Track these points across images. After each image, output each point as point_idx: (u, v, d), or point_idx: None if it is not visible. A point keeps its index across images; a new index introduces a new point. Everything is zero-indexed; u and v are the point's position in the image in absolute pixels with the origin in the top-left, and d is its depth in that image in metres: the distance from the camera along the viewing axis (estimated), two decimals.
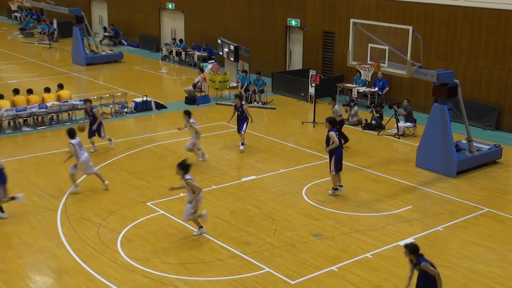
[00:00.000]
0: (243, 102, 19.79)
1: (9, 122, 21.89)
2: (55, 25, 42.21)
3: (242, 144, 19.72)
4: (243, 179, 17.37)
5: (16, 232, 14.08)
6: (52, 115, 22.59)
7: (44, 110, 22.20)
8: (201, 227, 13.92)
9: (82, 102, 23.09)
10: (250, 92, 25.96)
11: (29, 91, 23.06)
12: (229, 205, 15.58)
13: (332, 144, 15.66)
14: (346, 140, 19.97)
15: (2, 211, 14.75)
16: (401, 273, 12.23)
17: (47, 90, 23.43)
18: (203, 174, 17.62)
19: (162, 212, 15.08)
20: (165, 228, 14.26)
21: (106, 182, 16.49)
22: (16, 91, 22.91)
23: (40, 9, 45.61)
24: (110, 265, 12.48)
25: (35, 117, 22.25)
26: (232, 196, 16.17)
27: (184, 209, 13.67)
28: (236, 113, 19.69)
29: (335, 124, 16.12)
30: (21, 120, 22.15)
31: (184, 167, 13.42)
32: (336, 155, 15.78)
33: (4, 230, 14.24)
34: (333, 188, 16.09)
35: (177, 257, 12.89)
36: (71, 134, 15.96)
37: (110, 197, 15.98)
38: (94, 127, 19.14)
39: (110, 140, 19.79)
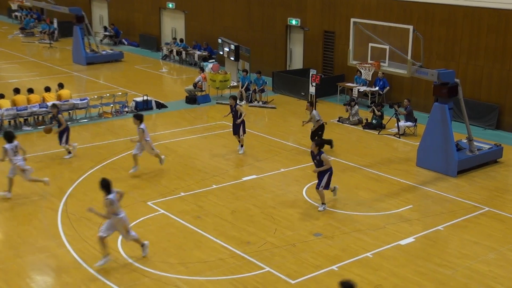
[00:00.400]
0: (238, 103, 19.50)
1: (9, 121, 21.91)
2: (55, 25, 42.21)
3: (242, 146, 19.51)
4: (244, 179, 17.37)
5: (16, 231, 14.09)
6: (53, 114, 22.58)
7: (44, 109, 22.20)
8: (107, 255, 12.45)
9: (84, 101, 23.21)
10: (251, 92, 25.96)
11: (30, 91, 23.07)
12: (229, 205, 15.58)
13: (324, 166, 14.98)
14: (331, 145, 19.79)
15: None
16: (401, 272, 12.24)
17: (48, 89, 23.44)
18: (203, 174, 17.63)
19: (162, 211, 15.08)
20: (165, 227, 14.26)
21: (46, 179, 16.35)
22: (17, 91, 22.92)
23: (41, 9, 45.60)
24: (110, 264, 12.47)
25: (36, 116, 22.26)
26: (233, 196, 16.17)
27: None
28: (231, 114, 19.41)
29: (322, 145, 15.65)
30: (21, 120, 22.16)
31: (105, 185, 12.33)
32: (330, 171, 15.11)
33: (5, 230, 14.25)
34: (322, 203, 15.31)
35: (177, 256, 12.89)
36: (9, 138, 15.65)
37: None
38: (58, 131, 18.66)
39: (69, 152, 18.96)
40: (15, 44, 40.83)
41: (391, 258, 12.88)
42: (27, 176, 15.93)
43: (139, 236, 12.91)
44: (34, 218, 14.70)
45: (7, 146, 15.55)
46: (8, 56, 36.75)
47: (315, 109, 19.97)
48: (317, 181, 15.18)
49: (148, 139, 17.39)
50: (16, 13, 51.29)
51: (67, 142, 18.82)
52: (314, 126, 19.48)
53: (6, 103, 22.09)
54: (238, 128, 19.21)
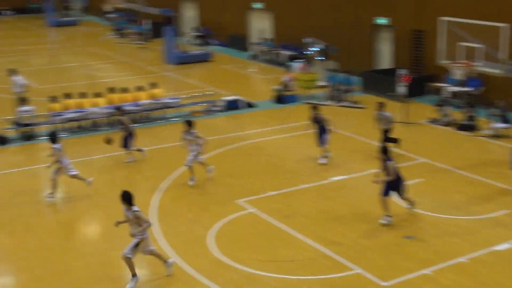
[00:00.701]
0: (318, 113, 18.35)
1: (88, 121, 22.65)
2: (147, 26, 43.37)
3: (325, 157, 18.39)
4: (332, 179, 17.27)
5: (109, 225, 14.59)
6: (145, 113, 23.24)
7: (137, 108, 22.88)
8: (135, 275, 11.79)
9: (175, 100, 23.74)
10: (338, 91, 25.78)
11: (123, 90, 23.84)
12: (318, 204, 15.53)
13: (388, 176, 14.03)
14: (396, 141, 19.16)
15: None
16: (499, 278, 11.83)
17: (140, 88, 24.13)
18: (291, 173, 17.65)
19: (251, 210, 15.21)
20: (254, 225, 14.37)
21: (89, 179, 16.52)
22: (111, 90, 23.76)
23: (133, 10, 46.97)
24: (201, 259, 12.70)
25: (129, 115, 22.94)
26: (321, 196, 16.11)
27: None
28: (315, 125, 18.43)
29: (389, 151, 14.40)
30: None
31: (127, 198, 11.73)
32: (393, 180, 14.05)
33: (97, 222, 14.76)
34: (386, 215, 14.29)
35: (266, 254, 12.96)
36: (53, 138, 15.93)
37: (201, 194, 16.27)
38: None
39: (139, 150, 19.02)
40: (108, 45, 42.27)
41: (489, 264, 12.44)
42: (69, 173, 16.13)
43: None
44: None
45: (56, 146, 15.84)
46: (102, 56, 38.09)
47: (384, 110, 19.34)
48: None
49: (201, 143, 16.87)
50: (110, 15, 53.12)
51: (131, 146, 18.71)
52: (385, 127, 19.02)
53: (101, 102, 22.92)
54: (322, 137, 18.35)
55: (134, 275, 11.72)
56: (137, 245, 11.66)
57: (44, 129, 21.63)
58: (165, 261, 12.17)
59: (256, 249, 13.22)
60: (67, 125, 21.88)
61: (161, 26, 36.43)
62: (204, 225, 14.35)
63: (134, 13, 48.48)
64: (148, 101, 23.39)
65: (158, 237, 13.73)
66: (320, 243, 13.38)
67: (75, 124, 22.04)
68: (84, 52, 39.96)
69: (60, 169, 15.99)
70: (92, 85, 28.08)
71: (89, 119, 22.33)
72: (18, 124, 21.33)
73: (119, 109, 19.39)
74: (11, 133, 21.08)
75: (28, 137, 21.13)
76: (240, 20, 39.26)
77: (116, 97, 23.35)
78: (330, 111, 23.60)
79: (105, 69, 34.16)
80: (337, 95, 25.73)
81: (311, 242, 13.45)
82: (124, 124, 18.66)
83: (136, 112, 22.93)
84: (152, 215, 14.94)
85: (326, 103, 25.23)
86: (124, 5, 42.70)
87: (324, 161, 18.35)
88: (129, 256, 11.60)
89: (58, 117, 21.79)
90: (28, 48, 41.48)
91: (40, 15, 56.59)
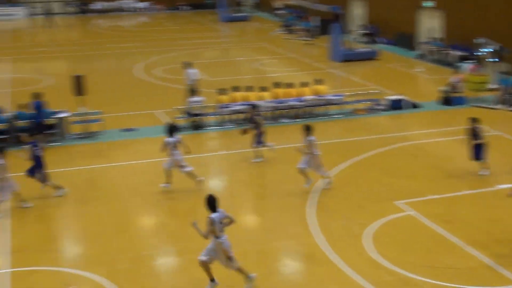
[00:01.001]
0: (477, 126, 16.90)
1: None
2: (315, 23, 43.76)
3: (485, 169, 17.13)
4: (499, 186, 16.39)
5: (269, 217, 14.98)
6: (308, 109, 23.51)
7: (300, 103, 23.21)
8: (213, 280, 11.43)
9: (339, 97, 23.78)
10: (510, 95, 24.41)
11: (288, 85, 24.29)
12: (482, 212, 14.84)
13: None
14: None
15: None
16: None
17: (305, 84, 24.44)
18: (454, 178, 17.01)
19: (410, 212, 14.88)
20: (413, 228, 14.05)
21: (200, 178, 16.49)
22: (277, 84, 24.30)
23: (302, 7, 47.59)
24: (356, 258, 12.65)
25: (292, 110, 23.33)
26: (487, 203, 15.38)
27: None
28: (471, 138, 17.02)
29: None
30: (282, 112, 23.31)
31: (209, 202, 11.21)
32: None
33: (255, 216, 15.20)
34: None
35: (424, 259, 12.62)
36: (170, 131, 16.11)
37: (360, 193, 16.18)
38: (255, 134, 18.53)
39: (270, 146, 18.71)
40: (276, 41, 43.22)
41: None
42: (184, 170, 16.33)
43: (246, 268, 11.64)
44: (282, 206, 15.45)
45: (169, 139, 16.18)
46: (270, 51, 39.04)
47: None
48: None
49: (317, 153, 16.13)
50: (279, 11, 54.30)
51: (261, 144, 18.63)
52: None
53: (267, 95, 23.52)
54: (478, 152, 16.98)
55: (212, 279, 11.33)
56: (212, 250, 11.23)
57: (211, 119, 22.64)
58: (247, 276, 11.49)
59: (414, 252, 12.93)
60: (233, 116, 22.70)
61: (329, 23, 36.58)
62: (361, 223, 14.27)
63: (303, 10, 49.09)
64: (311, 97, 23.64)
65: (315, 232, 13.88)
66: (482, 253, 12.79)
67: (241, 116, 22.81)
68: (253, 47, 41.19)
69: (173, 162, 16.23)
70: (258, 79, 28.87)
71: None
72: (188, 113, 22.49)
73: (253, 107, 19.36)
74: (181, 122, 22.26)
75: (197, 126, 22.21)
76: (408, 18, 38.37)
77: (281, 91, 23.85)
78: (500, 116, 22.49)
79: (272, 64, 34.98)
80: (509, 99, 24.37)
81: (473, 251, 12.90)
82: (256, 122, 18.64)
83: (299, 107, 23.27)
84: (306, 210, 15.12)
85: (496, 107, 24.02)
86: (293, 2, 43.42)
87: (485, 172, 17.20)
88: (203, 259, 11.19)
89: (225, 109, 22.69)
90: (202, 42, 43.51)
91: (214, 10, 59.11)
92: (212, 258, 11.23)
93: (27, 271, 12.46)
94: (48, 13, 56.03)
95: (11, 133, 20.40)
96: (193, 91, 23.51)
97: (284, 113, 23.37)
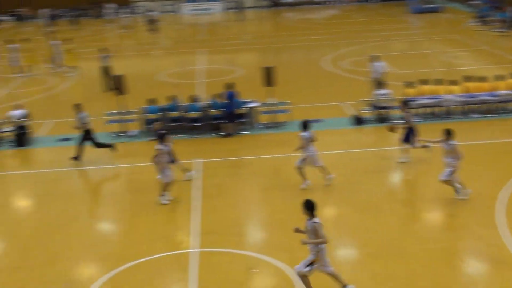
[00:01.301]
0: None
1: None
2: (511, 13, 41.27)
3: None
4: None
5: (455, 214, 14.49)
6: (502, 104, 22.28)
7: (494, 98, 22.07)
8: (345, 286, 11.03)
9: None
10: None
11: (480, 79, 23.20)
12: None
13: None
14: None
15: None
16: None
17: (500, 78, 23.19)
18: None
19: None
20: None
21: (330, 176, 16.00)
22: (467, 78, 23.31)
23: None
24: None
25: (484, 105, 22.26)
26: None
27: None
28: None
29: None
30: (473, 107, 22.35)
31: (309, 207, 10.78)
32: None
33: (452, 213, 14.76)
34: None
35: None
36: (304, 126, 15.74)
37: None
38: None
39: (426, 146, 17.36)
40: (469, 32, 41.38)
41: None
42: (316, 164, 16.03)
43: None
44: (470, 207, 14.84)
45: (305, 134, 15.80)
46: (462, 44, 37.50)
47: None
48: None
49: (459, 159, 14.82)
50: (473, 2, 51.87)
51: (409, 142, 17.62)
52: None
53: (457, 89, 22.67)
54: None
55: (344, 285, 10.97)
56: (312, 263, 10.86)
57: (398, 113, 22.26)
58: (344, 286, 11.03)
59: None
60: (420, 110, 22.15)
61: None
62: None
63: None
64: (505, 91, 22.36)
65: (499, 235, 13.19)
66: None
67: (428, 110, 22.20)
68: (444, 39, 39.77)
69: (306, 158, 16.02)
70: (448, 73, 27.88)
71: (442, 106, 22.29)
72: (374, 106, 22.34)
73: (405, 103, 18.33)
74: (366, 114, 22.16)
75: (382, 119, 21.98)
76: None
77: (471, 85, 22.85)
78: None
79: (463, 56, 33.56)
80: None
81: None
82: (405, 119, 17.78)
83: (492, 102, 22.13)
84: (494, 209, 14.42)
85: None
86: None
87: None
88: (301, 271, 10.90)
89: (412, 102, 22.16)
90: (390, 34, 42.85)
91: (403, 2, 57.89)
92: (311, 272, 10.94)
93: (214, 252, 13.23)
94: (241, 7, 58.44)
95: (205, 120, 21.68)
96: (380, 84, 23.29)
97: (475, 108, 22.36)
